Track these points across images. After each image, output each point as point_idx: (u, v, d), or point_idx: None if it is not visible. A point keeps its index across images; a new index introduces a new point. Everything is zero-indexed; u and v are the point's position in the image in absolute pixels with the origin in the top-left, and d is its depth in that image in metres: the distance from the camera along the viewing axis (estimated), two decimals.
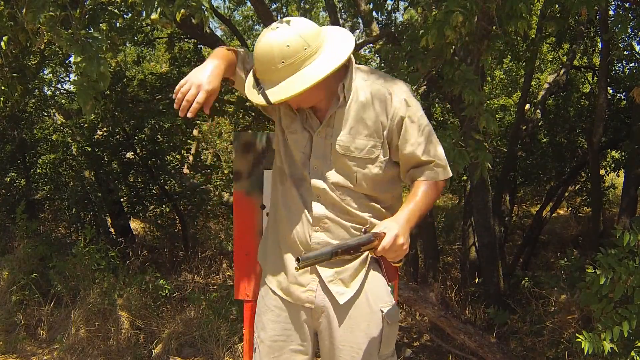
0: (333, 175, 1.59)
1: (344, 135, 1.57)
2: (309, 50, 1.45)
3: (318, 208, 1.59)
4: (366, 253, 1.62)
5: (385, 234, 1.47)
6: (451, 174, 1.65)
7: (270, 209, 1.78)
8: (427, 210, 1.60)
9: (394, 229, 1.47)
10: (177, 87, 1.45)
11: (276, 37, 1.45)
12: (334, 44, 1.51)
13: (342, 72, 1.58)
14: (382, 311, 1.63)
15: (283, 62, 1.44)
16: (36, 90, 5.98)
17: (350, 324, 1.63)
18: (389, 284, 1.67)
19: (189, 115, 1.42)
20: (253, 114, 6.26)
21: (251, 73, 1.56)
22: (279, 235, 1.70)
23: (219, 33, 10.69)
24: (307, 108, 1.60)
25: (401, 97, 1.57)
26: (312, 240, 1.60)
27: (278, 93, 1.47)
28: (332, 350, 1.65)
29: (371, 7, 4.20)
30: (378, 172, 1.59)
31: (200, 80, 1.44)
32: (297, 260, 1.42)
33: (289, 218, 1.64)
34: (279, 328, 1.69)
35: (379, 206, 1.63)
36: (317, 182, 1.59)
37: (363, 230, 1.52)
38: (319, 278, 1.62)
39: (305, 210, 1.61)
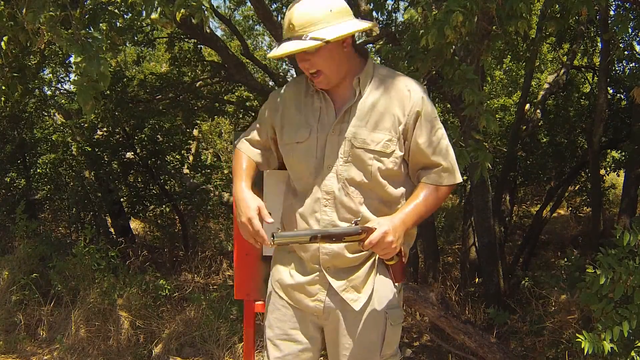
0: (347, 172, 1.57)
1: (360, 128, 1.57)
2: (346, 8, 1.56)
3: (326, 215, 1.59)
4: (373, 259, 1.63)
5: (375, 229, 1.48)
6: (459, 180, 1.64)
7: (282, 217, 1.76)
8: (427, 214, 1.60)
9: (385, 226, 1.48)
10: (244, 237, 1.59)
11: None
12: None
13: (359, 67, 1.61)
14: (386, 312, 1.65)
15: (331, 11, 1.52)
16: (36, 90, 5.97)
17: (356, 325, 1.65)
18: (396, 285, 1.67)
19: (270, 244, 1.49)
20: (253, 114, 6.25)
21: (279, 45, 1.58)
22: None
23: (219, 33, 10.70)
24: (329, 89, 1.61)
25: (419, 94, 1.59)
26: (321, 250, 1.60)
27: (333, 32, 1.50)
28: (337, 349, 1.68)
29: (371, 7, 4.19)
30: (393, 168, 1.58)
31: (241, 215, 1.57)
32: (272, 236, 1.43)
33: (296, 229, 1.64)
34: (285, 327, 1.71)
35: (388, 210, 1.61)
36: (328, 185, 1.58)
37: (354, 221, 1.52)
38: (329, 289, 1.63)
39: (314, 220, 1.61)
